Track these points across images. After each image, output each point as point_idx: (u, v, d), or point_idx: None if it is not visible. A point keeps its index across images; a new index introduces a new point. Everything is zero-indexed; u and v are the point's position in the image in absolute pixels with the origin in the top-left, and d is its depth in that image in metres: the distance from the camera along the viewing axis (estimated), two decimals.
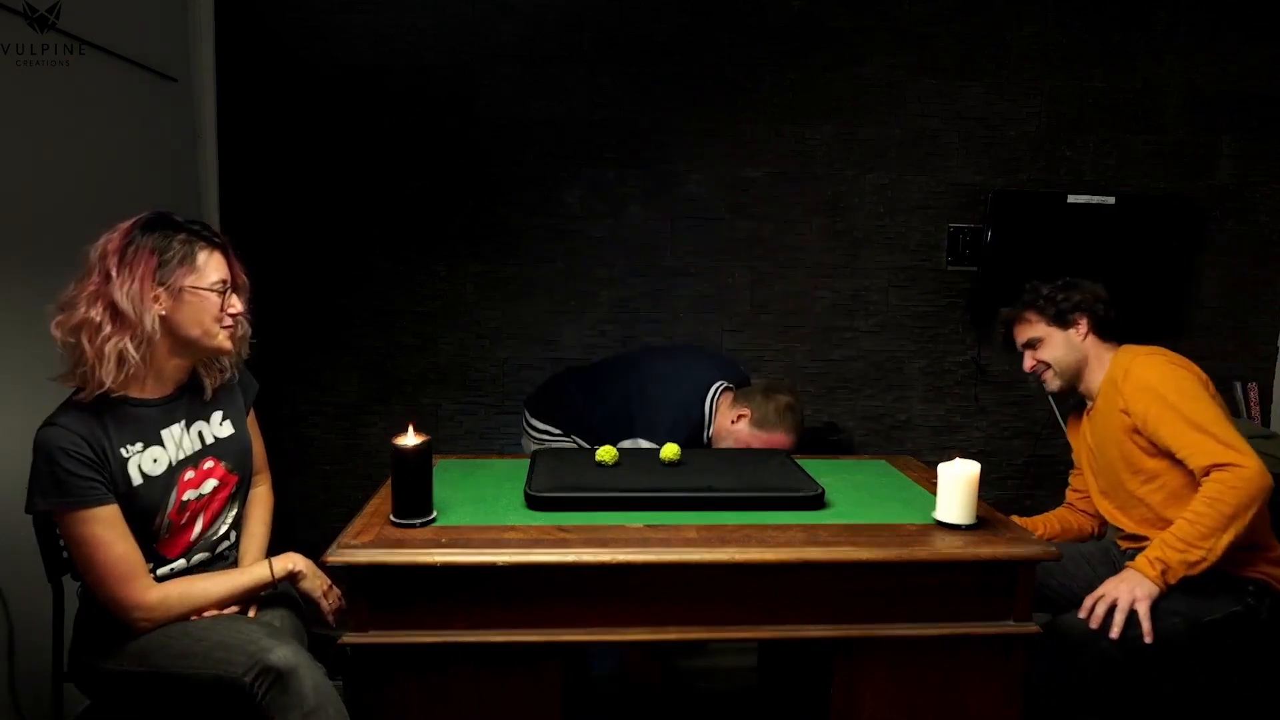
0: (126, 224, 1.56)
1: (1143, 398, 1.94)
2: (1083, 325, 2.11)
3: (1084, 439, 2.20)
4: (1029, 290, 2.20)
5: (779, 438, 2.24)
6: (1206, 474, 1.82)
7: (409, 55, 3.11)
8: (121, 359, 1.51)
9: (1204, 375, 2.00)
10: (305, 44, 3.08)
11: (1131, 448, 1.98)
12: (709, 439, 2.32)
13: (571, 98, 3.14)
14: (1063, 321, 2.12)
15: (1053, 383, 2.15)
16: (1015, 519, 2.20)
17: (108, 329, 1.49)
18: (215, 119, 2.98)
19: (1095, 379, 2.11)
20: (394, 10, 3.08)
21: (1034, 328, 2.16)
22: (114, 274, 1.50)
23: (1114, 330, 2.14)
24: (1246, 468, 1.78)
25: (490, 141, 3.17)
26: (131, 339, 1.51)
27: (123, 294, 1.50)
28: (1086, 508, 2.24)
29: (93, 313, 1.49)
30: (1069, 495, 2.32)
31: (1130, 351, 2.06)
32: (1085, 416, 2.19)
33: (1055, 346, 2.13)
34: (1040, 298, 2.15)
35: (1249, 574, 1.87)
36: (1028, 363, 2.18)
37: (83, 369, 1.51)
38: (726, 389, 2.35)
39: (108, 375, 1.50)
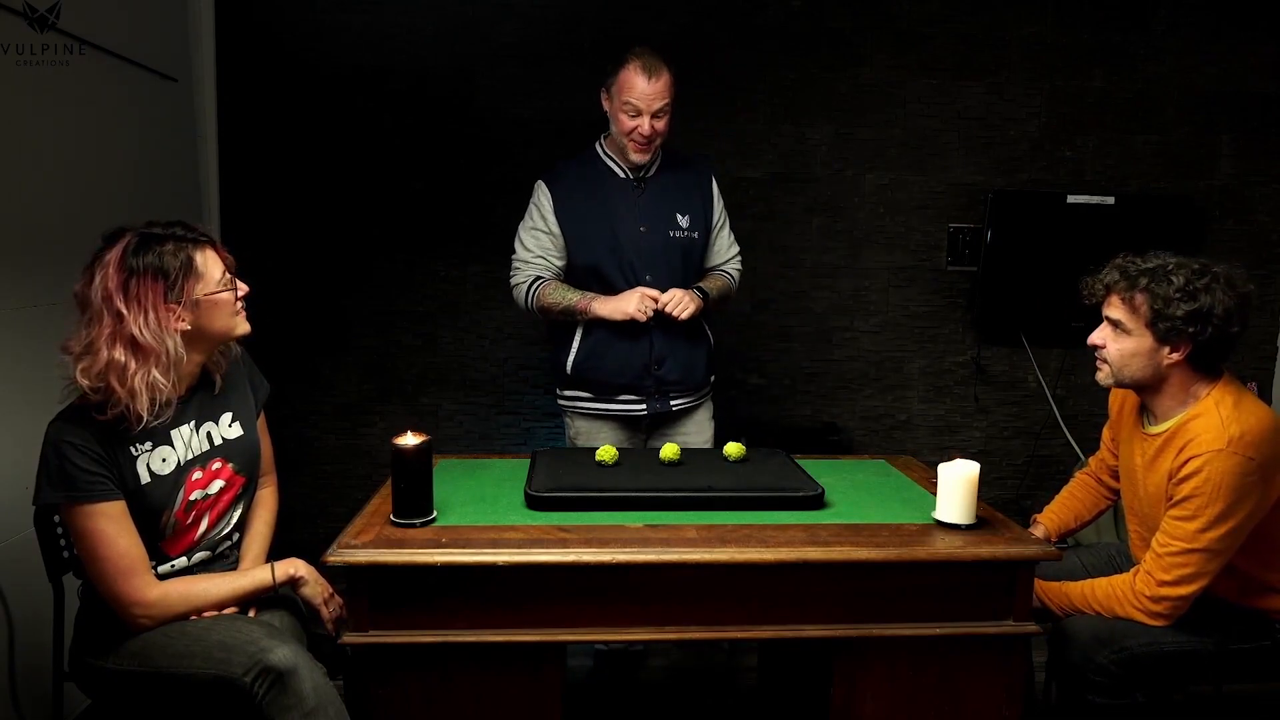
0: (114, 255, 1.53)
1: (1200, 484, 1.66)
2: (1180, 352, 1.70)
3: (1132, 447, 1.89)
4: (1160, 271, 1.70)
5: (625, 76, 2.21)
6: (1138, 572, 1.75)
7: (409, 55, 3.11)
8: (153, 388, 1.52)
9: (1269, 465, 1.68)
10: (305, 44, 3.08)
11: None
12: (612, 156, 2.35)
13: (571, 98, 3.14)
14: (1161, 337, 1.70)
15: (1102, 376, 1.81)
16: (1036, 519, 2.16)
17: (133, 365, 1.50)
18: (215, 119, 2.98)
19: (1168, 405, 1.77)
20: (394, 10, 3.08)
21: (1128, 316, 1.72)
22: (125, 311, 1.50)
23: (1216, 361, 1.74)
24: (1155, 610, 1.71)
25: (490, 141, 3.17)
26: (158, 367, 1.52)
27: (139, 328, 1.50)
28: (1106, 479, 2.11)
29: (116, 353, 1.49)
30: (1094, 464, 2.13)
31: (1224, 412, 1.68)
32: (1143, 428, 1.86)
33: (1133, 353, 1.73)
34: (1161, 296, 1.67)
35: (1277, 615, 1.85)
36: (1095, 336, 1.80)
37: (118, 408, 1.51)
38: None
39: (144, 408, 1.51)
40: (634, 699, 2.51)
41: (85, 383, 1.50)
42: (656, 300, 2.20)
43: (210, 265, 1.61)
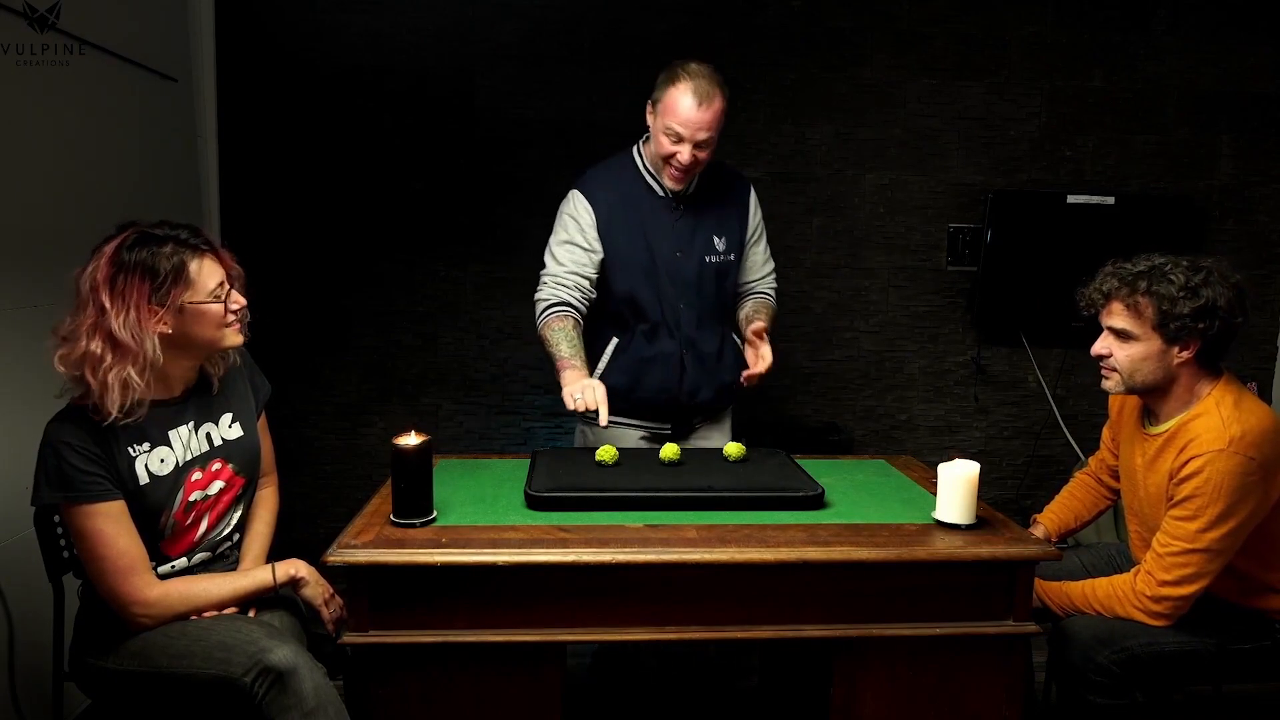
0: (110, 247, 1.53)
1: (1200, 484, 1.67)
2: (1190, 350, 1.71)
3: (1133, 447, 1.89)
4: (1157, 271, 1.71)
5: (672, 97, 2.01)
6: (1139, 572, 1.75)
7: (409, 55, 3.11)
8: (125, 387, 1.51)
9: (1270, 464, 1.69)
10: (305, 44, 3.08)
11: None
12: (651, 170, 2.18)
13: (571, 98, 3.15)
14: (1171, 338, 1.70)
15: (1112, 384, 1.80)
16: (1036, 519, 2.16)
17: (109, 359, 1.49)
18: (215, 119, 2.98)
19: (1173, 406, 1.78)
20: (394, 10, 3.08)
21: (1134, 322, 1.72)
22: (108, 305, 1.49)
23: (1221, 355, 1.76)
24: (1156, 610, 1.72)
25: (490, 141, 3.17)
26: (134, 366, 1.51)
27: (119, 324, 1.49)
28: (1106, 479, 2.11)
29: (93, 345, 1.49)
30: (1094, 464, 2.13)
31: (1225, 411, 1.69)
32: (1144, 428, 1.87)
33: (1143, 358, 1.73)
34: (1166, 297, 1.68)
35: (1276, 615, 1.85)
36: (1099, 347, 1.79)
37: (91, 399, 1.51)
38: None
39: (113, 405, 1.50)
40: (634, 699, 2.51)
41: (62, 369, 1.50)
42: (595, 409, 1.94)
43: (205, 275, 1.59)
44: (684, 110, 2.00)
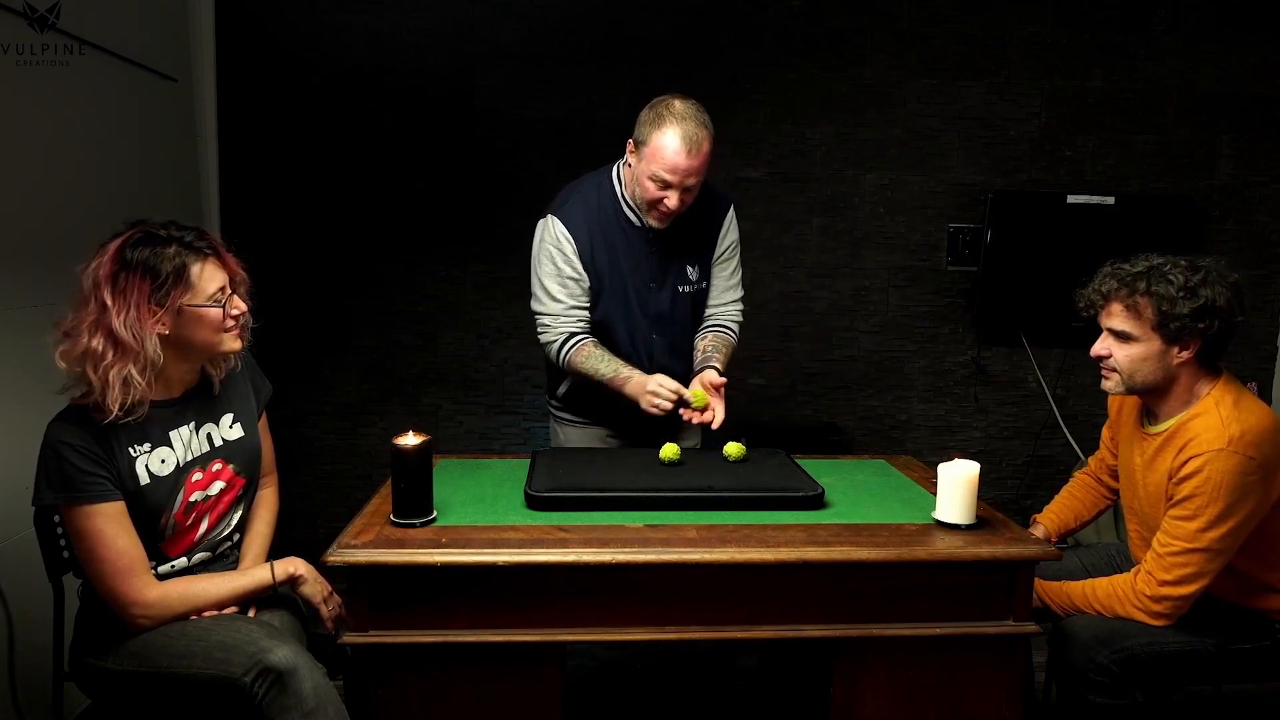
0: (114, 244, 1.54)
1: (1200, 483, 1.66)
2: (1190, 350, 1.71)
3: (1132, 447, 1.90)
4: (1156, 271, 1.71)
5: (659, 142, 1.93)
6: (1139, 572, 1.75)
7: (409, 55, 3.11)
8: (127, 385, 1.51)
9: (1270, 464, 1.69)
10: (305, 44, 3.09)
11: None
12: (629, 201, 2.11)
13: (571, 98, 3.15)
14: (1171, 338, 1.71)
15: (1112, 385, 1.80)
16: (1036, 519, 2.16)
17: (110, 357, 1.49)
18: (215, 119, 2.98)
19: (1172, 406, 1.78)
20: (394, 10, 3.08)
21: (1133, 323, 1.73)
22: (109, 303, 1.50)
23: (1220, 355, 1.77)
24: (1157, 610, 1.71)
25: (490, 141, 3.17)
26: (135, 364, 1.52)
27: (120, 323, 1.49)
28: (1106, 479, 2.12)
29: (94, 342, 1.49)
30: (1093, 464, 2.13)
31: (1224, 411, 1.69)
32: (1143, 427, 1.87)
33: (1143, 358, 1.73)
34: (1165, 297, 1.68)
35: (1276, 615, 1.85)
36: (1099, 348, 1.79)
37: (93, 396, 1.51)
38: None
39: (114, 403, 1.50)
40: (634, 699, 2.51)
41: (63, 365, 1.50)
42: (676, 396, 1.99)
43: (206, 279, 1.58)
44: (671, 157, 1.93)
